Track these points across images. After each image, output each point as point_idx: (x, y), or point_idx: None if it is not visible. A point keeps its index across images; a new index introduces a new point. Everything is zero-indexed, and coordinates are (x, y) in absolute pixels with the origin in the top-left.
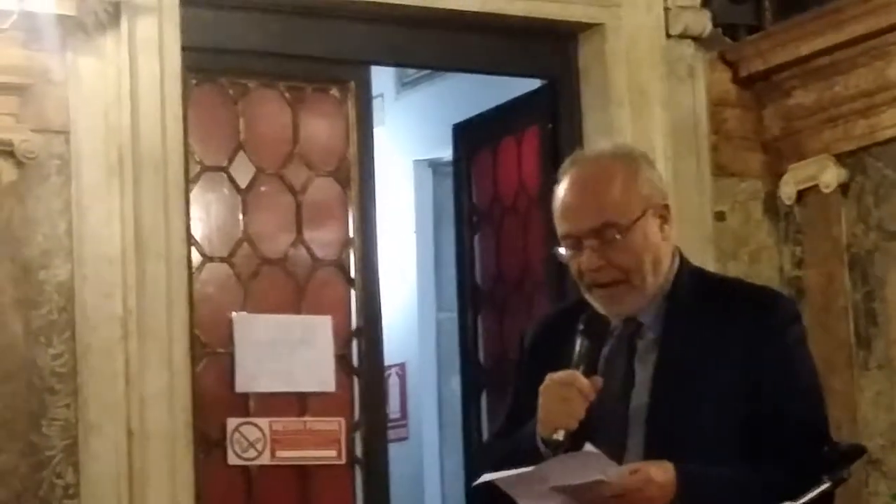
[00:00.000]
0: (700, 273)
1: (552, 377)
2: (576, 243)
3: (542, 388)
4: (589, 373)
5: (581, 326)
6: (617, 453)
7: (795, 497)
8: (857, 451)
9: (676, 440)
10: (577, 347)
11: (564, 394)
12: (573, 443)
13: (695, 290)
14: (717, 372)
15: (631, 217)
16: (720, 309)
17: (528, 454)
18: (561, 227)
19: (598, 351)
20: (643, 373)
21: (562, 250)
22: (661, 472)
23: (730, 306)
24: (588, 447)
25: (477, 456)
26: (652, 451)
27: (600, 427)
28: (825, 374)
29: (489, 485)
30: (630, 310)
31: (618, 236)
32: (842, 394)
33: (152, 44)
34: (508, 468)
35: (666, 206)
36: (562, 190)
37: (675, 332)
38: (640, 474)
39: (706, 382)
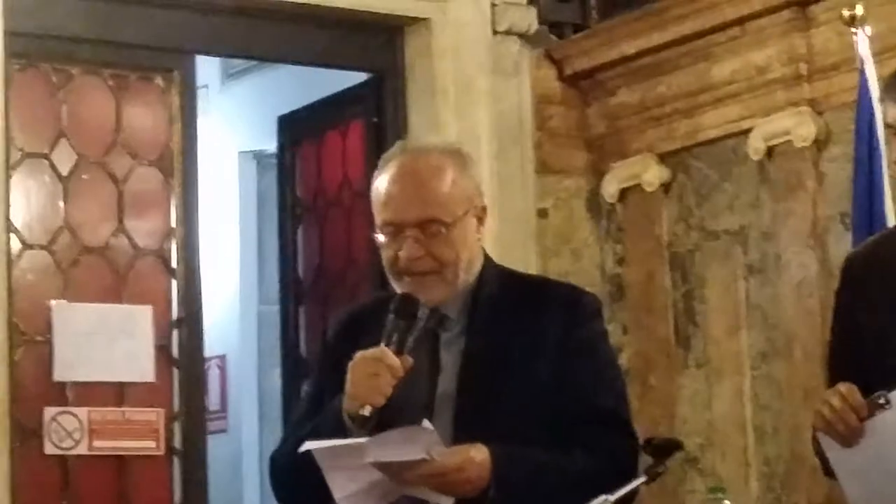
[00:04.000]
0: (504, 270)
1: (362, 353)
2: (397, 231)
3: (351, 363)
4: (399, 352)
5: (393, 305)
6: None
7: (611, 488)
8: (674, 446)
9: (485, 427)
10: (388, 325)
11: (373, 369)
12: (379, 423)
13: (500, 285)
14: (523, 363)
15: (455, 215)
16: (526, 302)
17: (333, 429)
18: (383, 215)
19: (407, 332)
20: (449, 361)
21: (379, 236)
22: (479, 454)
23: (536, 300)
24: (426, 423)
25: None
26: (460, 437)
27: (405, 411)
28: (644, 372)
29: (296, 459)
30: (436, 300)
31: (442, 230)
32: (660, 392)
33: None
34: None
35: (484, 208)
36: (387, 177)
37: (481, 324)
38: (461, 454)
39: (513, 372)
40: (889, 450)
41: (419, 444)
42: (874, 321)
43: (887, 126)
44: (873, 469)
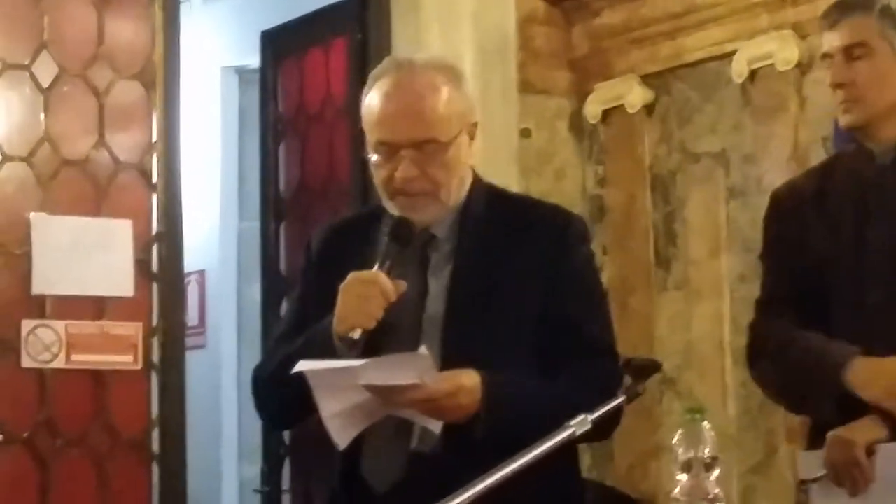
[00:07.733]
0: (492, 189)
1: (355, 275)
2: (392, 151)
3: (343, 285)
4: (389, 276)
5: (389, 229)
6: None
7: (592, 410)
8: (652, 367)
9: (473, 351)
10: (383, 249)
11: (365, 292)
12: (367, 345)
13: (488, 204)
14: (511, 288)
15: (451, 134)
16: (514, 224)
17: (321, 350)
18: (377, 134)
19: (400, 256)
20: (437, 284)
21: (373, 156)
22: (470, 380)
23: (524, 222)
24: (423, 349)
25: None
26: (448, 361)
27: (392, 335)
28: (624, 294)
29: (282, 375)
30: (429, 220)
31: (438, 150)
32: (639, 313)
33: None
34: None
35: (475, 125)
36: (381, 95)
37: (470, 244)
38: (452, 380)
39: (500, 297)
40: None
41: (413, 369)
42: (820, 252)
43: (824, 55)
44: None
